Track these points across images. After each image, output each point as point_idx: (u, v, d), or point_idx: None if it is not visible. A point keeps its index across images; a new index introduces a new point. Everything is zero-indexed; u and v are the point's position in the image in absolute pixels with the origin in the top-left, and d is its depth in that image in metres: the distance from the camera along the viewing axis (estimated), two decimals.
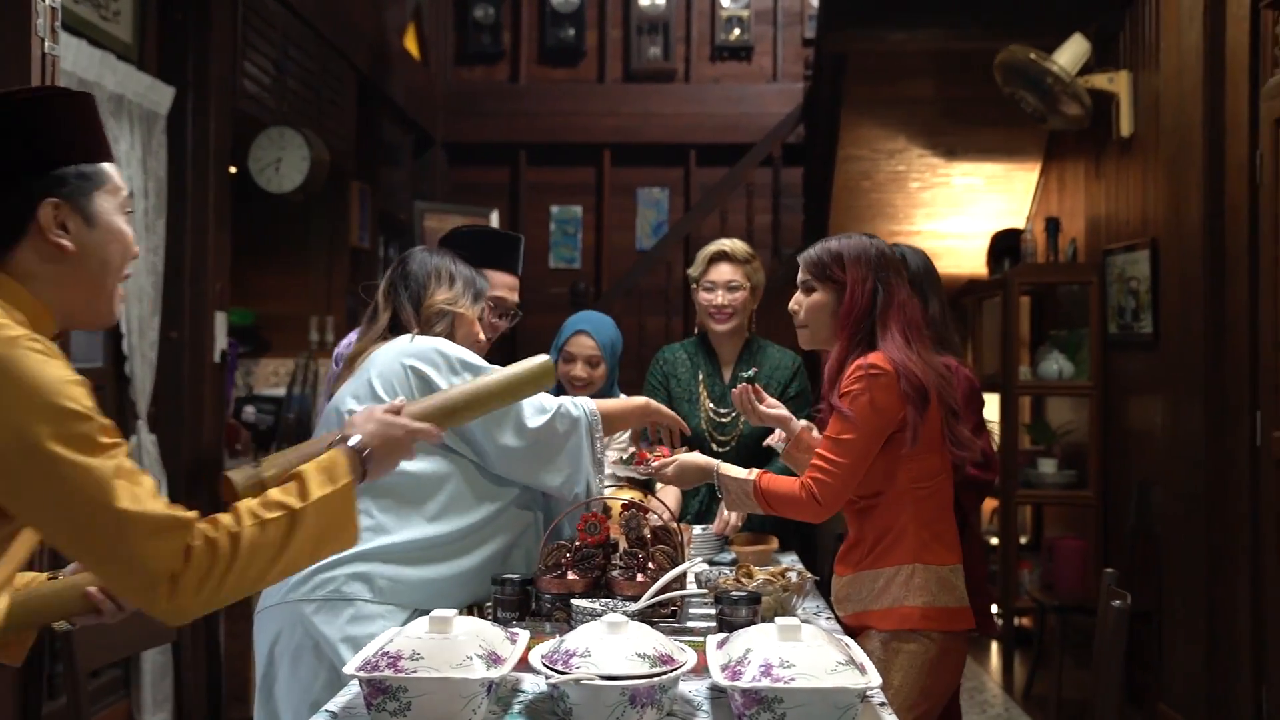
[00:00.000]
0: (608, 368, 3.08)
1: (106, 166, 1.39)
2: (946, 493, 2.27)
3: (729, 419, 3.10)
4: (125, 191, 1.42)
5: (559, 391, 3.09)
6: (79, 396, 1.23)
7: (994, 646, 5.32)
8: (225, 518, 1.35)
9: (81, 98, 1.39)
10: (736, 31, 7.85)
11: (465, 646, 1.61)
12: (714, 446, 3.09)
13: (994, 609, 5.14)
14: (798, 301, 2.33)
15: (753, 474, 2.29)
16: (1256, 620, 3.58)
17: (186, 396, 3.97)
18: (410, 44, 7.17)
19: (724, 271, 3.12)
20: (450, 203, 7.58)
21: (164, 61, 3.89)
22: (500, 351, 3.00)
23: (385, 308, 2.30)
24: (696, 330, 3.25)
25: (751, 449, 3.07)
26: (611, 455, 3.10)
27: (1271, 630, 3.49)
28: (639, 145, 7.78)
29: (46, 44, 2.06)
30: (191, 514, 1.30)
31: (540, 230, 7.93)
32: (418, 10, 7.26)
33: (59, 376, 1.22)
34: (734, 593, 1.90)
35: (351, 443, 1.56)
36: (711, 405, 3.12)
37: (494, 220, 7.67)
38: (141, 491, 1.26)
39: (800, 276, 2.33)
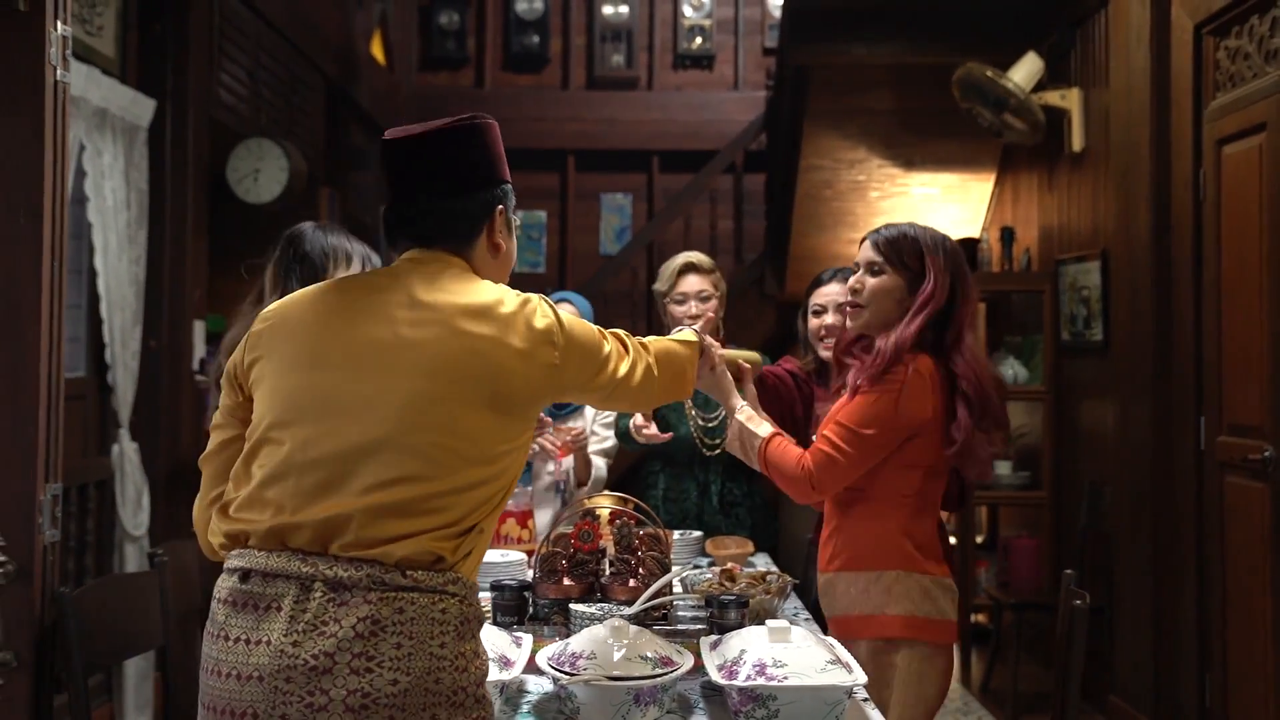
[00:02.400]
0: None
1: None
2: (935, 503, 2.26)
3: (716, 423, 3.19)
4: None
5: None
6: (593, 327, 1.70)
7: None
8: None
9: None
10: (698, 40, 7.99)
11: None
12: (704, 452, 3.20)
13: None
14: (860, 281, 2.24)
15: (765, 431, 2.26)
16: (1201, 613, 3.77)
17: (165, 404, 4.03)
18: (376, 50, 7.23)
19: (693, 283, 3.20)
20: None
21: (144, 74, 3.94)
22: None
23: (274, 290, 2.23)
24: None
25: None
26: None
27: (1215, 623, 3.68)
28: (602, 151, 7.89)
29: (59, 72, 2.13)
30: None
31: None
32: (383, 16, 7.32)
33: (579, 320, 1.67)
34: (724, 597, 2.02)
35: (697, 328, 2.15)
36: (698, 411, 3.21)
37: None
38: (627, 356, 1.74)
39: (868, 256, 2.24)
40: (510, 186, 1.70)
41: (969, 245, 5.67)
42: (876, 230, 2.27)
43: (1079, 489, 4.78)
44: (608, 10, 7.93)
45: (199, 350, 4.18)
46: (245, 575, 1.47)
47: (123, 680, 3.74)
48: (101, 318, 3.64)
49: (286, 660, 1.39)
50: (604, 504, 3.04)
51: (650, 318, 7.09)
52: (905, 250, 2.20)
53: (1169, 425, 3.95)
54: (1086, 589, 4.49)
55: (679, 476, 3.23)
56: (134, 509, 3.77)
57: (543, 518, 3.12)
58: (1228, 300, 3.63)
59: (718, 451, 3.18)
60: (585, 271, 7.80)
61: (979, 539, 5.78)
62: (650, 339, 1.87)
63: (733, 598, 2.01)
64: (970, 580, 5.25)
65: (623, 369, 1.71)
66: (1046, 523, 5.09)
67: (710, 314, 3.20)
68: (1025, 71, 4.83)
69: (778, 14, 7.08)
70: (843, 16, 5.29)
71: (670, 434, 3.10)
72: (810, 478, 2.16)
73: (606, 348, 1.69)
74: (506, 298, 1.56)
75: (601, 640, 1.73)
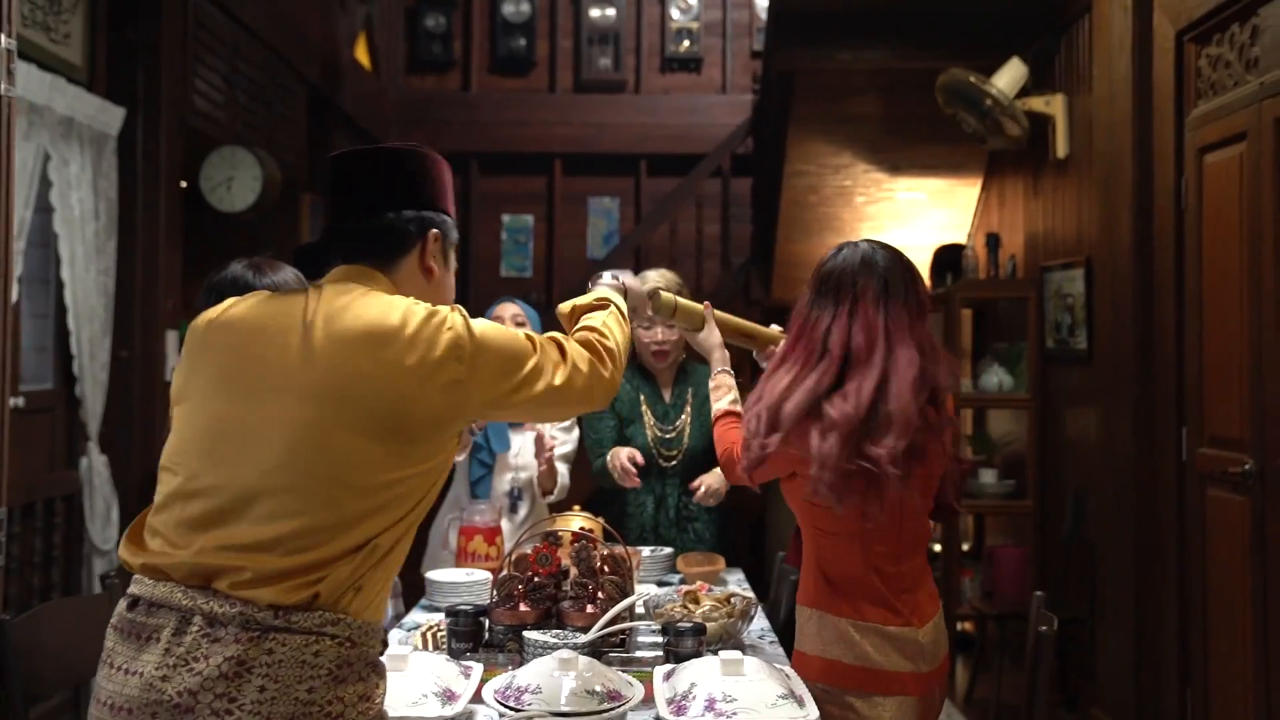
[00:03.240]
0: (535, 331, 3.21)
1: None
2: (860, 545, 2.02)
3: (674, 434, 3.23)
4: None
5: None
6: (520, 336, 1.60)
7: None
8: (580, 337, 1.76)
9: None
10: (686, 43, 7.94)
11: (421, 684, 1.67)
12: (661, 463, 3.20)
13: None
14: None
15: (720, 406, 2.33)
16: (1183, 626, 3.73)
17: (137, 415, 3.98)
18: (361, 54, 7.18)
19: None
20: None
21: (114, 82, 3.89)
22: None
23: None
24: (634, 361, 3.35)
25: (697, 464, 3.18)
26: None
27: (1196, 636, 3.64)
28: (590, 155, 7.84)
29: (3, 86, 2.09)
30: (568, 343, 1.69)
31: (492, 239, 7.97)
32: (368, 20, 7.26)
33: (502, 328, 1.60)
34: (680, 624, 1.97)
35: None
36: (656, 423, 3.25)
37: None
38: (560, 362, 1.64)
39: None
40: (452, 222, 1.68)
41: (954, 251, 5.64)
42: None
43: (1063, 498, 4.74)
44: (595, 13, 7.88)
45: (171, 360, 4.13)
46: (134, 603, 1.44)
47: (88, 698, 3.69)
48: (69, 329, 3.59)
49: (154, 695, 1.35)
50: (575, 520, 3.00)
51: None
52: None
53: (1151, 436, 3.91)
54: (1069, 599, 4.49)
55: (637, 489, 3.22)
56: (103, 523, 3.72)
57: None
58: (1209, 311, 3.58)
59: (674, 463, 3.18)
60: (572, 276, 7.75)
61: (965, 547, 5.74)
62: (587, 327, 1.79)
63: (689, 625, 1.96)
64: (955, 590, 5.21)
65: (559, 377, 1.62)
66: (1031, 532, 5.05)
67: (675, 337, 3.19)
68: (1009, 77, 4.79)
69: (765, 18, 7.02)
70: (827, 21, 5.24)
71: (638, 483, 3.12)
72: (733, 457, 2.18)
73: (533, 360, 1.59)
74: (413, 315, 1.49)
75: (548, 673, 1.68)
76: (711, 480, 3.08)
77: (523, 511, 3.18)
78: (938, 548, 5.67)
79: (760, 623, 2.51)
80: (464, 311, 1.55)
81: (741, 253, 7.26)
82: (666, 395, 3.29)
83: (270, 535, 1.40)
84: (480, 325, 1.55)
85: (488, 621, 2.12)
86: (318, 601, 1.39)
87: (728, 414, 2.32)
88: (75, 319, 3.58)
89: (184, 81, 4.30)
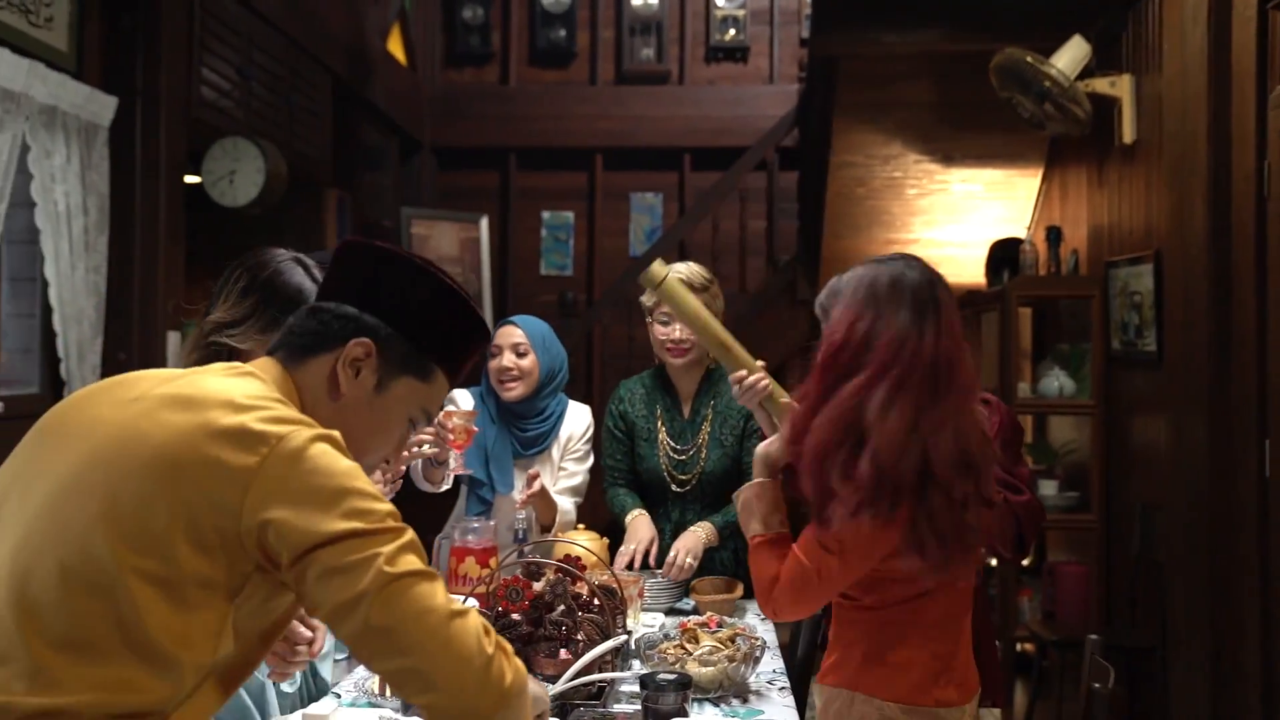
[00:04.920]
0: (540, 361, 2.90)
1: (444, 391, 1.38)
2: (913, 616, 1.74)
3: (689, 456, 2.90)
4: (426, 427, 1.44)
5: (490, 393, 2.94)
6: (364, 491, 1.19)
7: None
8: None
9: (484, 331, 1.40)
10: (731, 32, 7.63)
11: None
12: (674, 487, 2.90)
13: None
14: None
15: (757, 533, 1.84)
16: (1267, 659, 3.35)
17: None
18: (395, 46, 6.98)
19: None
20: (438, 208, 7.38)
21: (108, 71, 3.70)
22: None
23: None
24: (657, 361, 3.02)
25: (714, 487, 2.87)
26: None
27: None
28: (632, 149, 7.57)
29: None
30: None
31: (531, 236, 7.74)
32: (402, 12, 7.06)
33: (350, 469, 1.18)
34: (661, 676, 1.68)
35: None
36: (671, 443, 2.92)
37: (483, 227, 7.47)
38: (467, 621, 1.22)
39: None
40: (409, 348, 1.33)
41: (1012, 246, 5.26)
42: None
43: (1131, 512, 4.36)
44: (637, 1, 7.60)
45: (173, 363, 3.93)
46: None
47: None
48: (55, 330, 3.39)
49: None
50: (581, 538, 2.75)
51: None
52: (825, 305, 1.96)
53: (1228, 448, 3.53)
54: (1137, 623, 4.11)
55: (655, 517, 2.91)
56: None
57: None
58: None
59: (689, 487, 2.88)
60: (614, 274, 7.47)
61: (1025, 563, 5.36)
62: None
63: (671, 679, 1.67)
64: (1013, 610, 4.85)
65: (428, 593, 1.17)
66: (1096, 548, 4.67)
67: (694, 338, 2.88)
68: (1070, 57, 4.41)
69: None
70: (873, 2, 4.91)
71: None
72: (771, 602, 1.81)
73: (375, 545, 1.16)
74: (258, 411, 1.18)
75: None
76: (685, 545, 2.72)
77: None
78: (993, 561, 5.30)
79: (774, 663, 2.22)
80: (339, 441, 1.20)
81: (787, 250, 6.93)
82: (686, 409, 2.95)
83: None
84: (331, 460, 1.17)
85: None
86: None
87: (760, 537, 1.83)
88: (62, 320, 3.38)
89: (189, 71, 4.10)
